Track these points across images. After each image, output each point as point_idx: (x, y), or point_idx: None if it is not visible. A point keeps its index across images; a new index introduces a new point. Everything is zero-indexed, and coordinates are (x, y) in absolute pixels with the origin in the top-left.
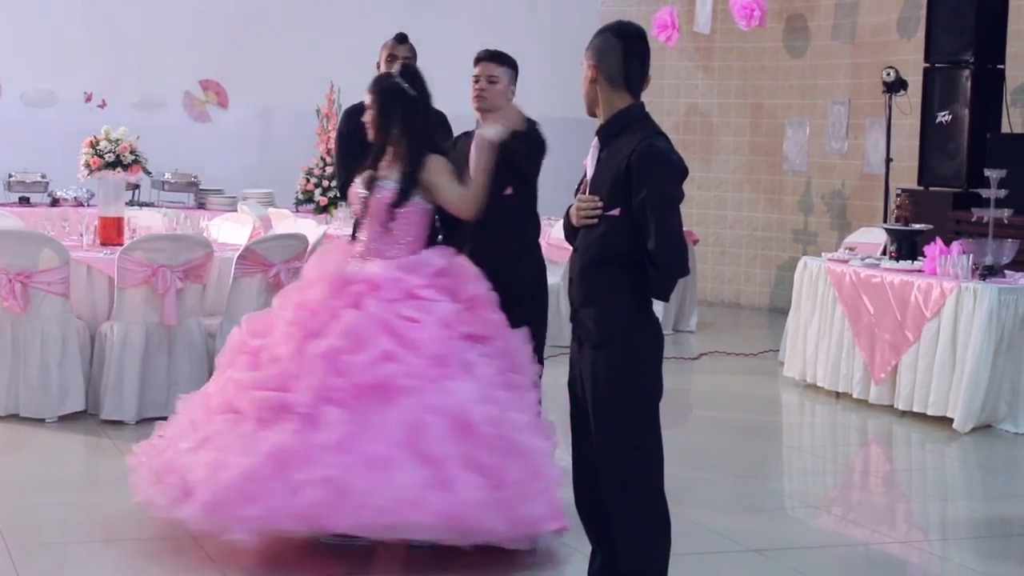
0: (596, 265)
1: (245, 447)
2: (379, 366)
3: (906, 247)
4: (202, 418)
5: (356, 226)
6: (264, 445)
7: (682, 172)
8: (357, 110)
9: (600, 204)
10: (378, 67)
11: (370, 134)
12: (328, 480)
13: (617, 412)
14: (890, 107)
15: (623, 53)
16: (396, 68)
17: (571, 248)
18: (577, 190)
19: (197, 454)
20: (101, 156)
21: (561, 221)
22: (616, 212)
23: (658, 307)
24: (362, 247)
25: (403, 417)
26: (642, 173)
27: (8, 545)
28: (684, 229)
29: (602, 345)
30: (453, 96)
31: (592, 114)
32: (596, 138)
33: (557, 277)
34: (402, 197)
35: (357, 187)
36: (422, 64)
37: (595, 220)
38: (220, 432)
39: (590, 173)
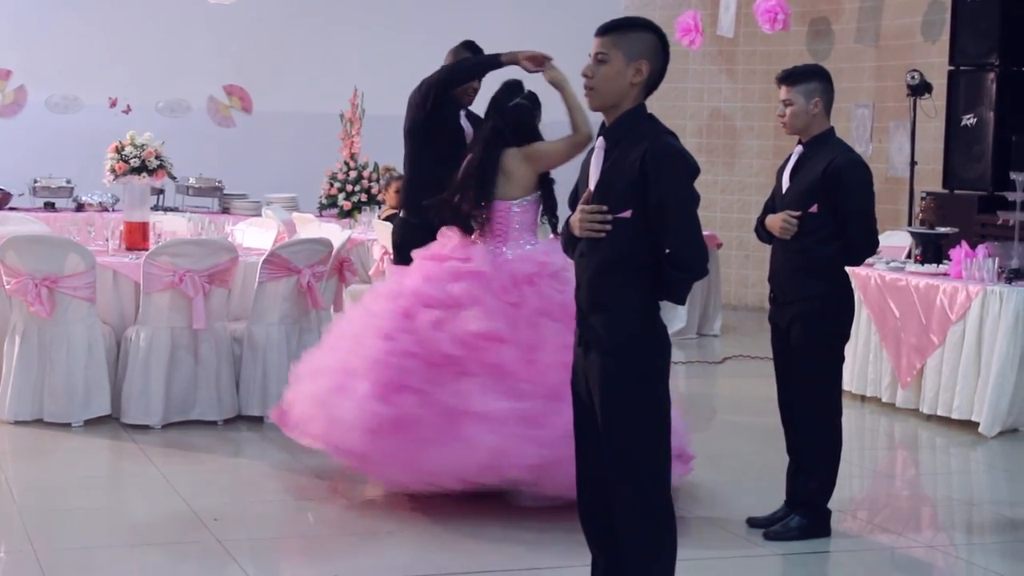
0: (605, 270)
1: None
2: None
3: (931, 250)
4: None
5: None
6: None
7: (697, 171)
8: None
9: (608, 216)
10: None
11: None
12: None
13: (626, 418)
14: (915, 110)
15: (664, 58)
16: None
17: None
18: (574, 197)
19: None
20: (126, 161)
21: None
22: (628, 214)
23: (682, 311)
24: None
25: None
26: (659, 173)
27: (35, 548)
28: (707, 233)
29: (611, 351)
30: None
31: (599, 110)
32: (601, 139)
33: None
34: None
35: None
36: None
37: (603, 234)
38: None
39: (595, 175)
